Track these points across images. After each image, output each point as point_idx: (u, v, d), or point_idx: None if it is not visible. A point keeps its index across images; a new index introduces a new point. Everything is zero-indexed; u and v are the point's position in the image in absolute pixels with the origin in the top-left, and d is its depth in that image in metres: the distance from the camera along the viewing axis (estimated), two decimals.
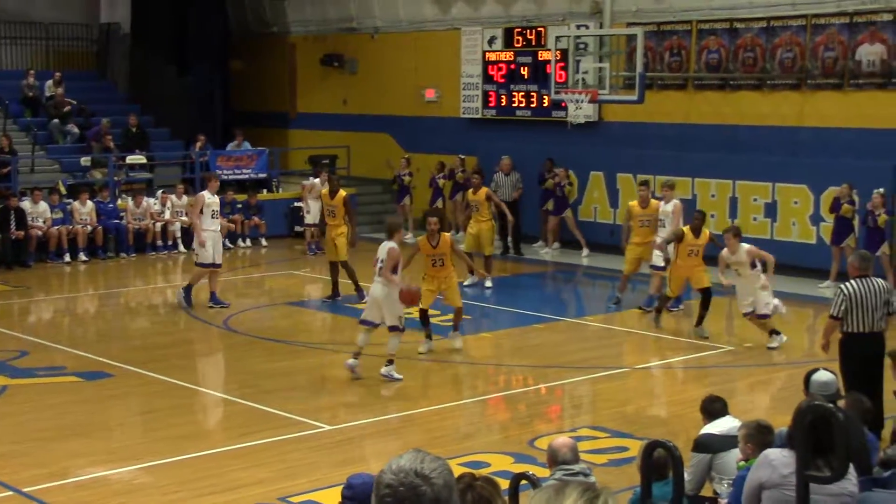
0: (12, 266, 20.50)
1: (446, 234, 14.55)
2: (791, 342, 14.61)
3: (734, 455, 7.66)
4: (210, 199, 17.04)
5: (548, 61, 21.36)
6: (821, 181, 18.88)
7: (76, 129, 24.51)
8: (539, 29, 23.10)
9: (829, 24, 19.22)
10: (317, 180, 21.92)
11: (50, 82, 25.05)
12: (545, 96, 22.44)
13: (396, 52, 25.95)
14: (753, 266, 14.39)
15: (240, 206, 23.54)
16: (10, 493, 9.38)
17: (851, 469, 5.98)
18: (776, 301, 14.44)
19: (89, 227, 21.57)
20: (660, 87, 21.30)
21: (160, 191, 23.36)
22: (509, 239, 21.85)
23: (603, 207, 21.99)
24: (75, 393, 12.59)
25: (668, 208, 16.59)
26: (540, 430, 11.20)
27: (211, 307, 16.93)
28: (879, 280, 10.74)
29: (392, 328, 12.80)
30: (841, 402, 7.69)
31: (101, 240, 21.69)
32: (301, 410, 11.76)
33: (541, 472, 7.74)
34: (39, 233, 21.08)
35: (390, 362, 12.86)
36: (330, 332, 16.55)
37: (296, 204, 24.13)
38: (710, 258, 15.25)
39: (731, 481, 7.47)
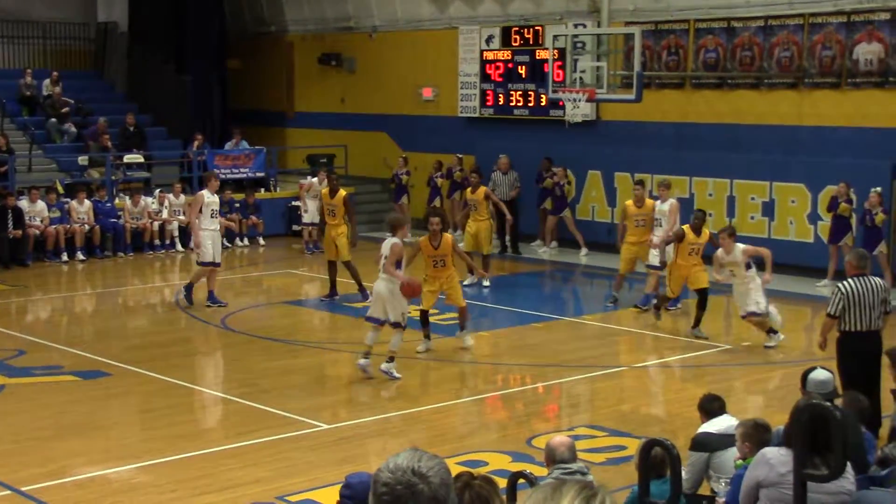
0: (10, 265, 20.47)
1: (448, 234, 14.38)
2: (788, 341, 14.61)
3: (732, 454, 7.67)
4: (210, 198, 17.03)
5: (545, 60, 21.32)
6: (818, 180, 18.89)
7: (74, 129, 24.47)
8: (536, 28, 23.09)
9: (826, 23, 19.22)
10: (314, 179, 21.92)
11: (47, 81, 25.03)
12: (543, 95, 22.43)
13: (394, 51, 25.94)
14: (748, 267, 14.41)
15: (237, 205, 23.53)
16: (9, 492, 9.37)
17: (849, 467, 5.99)
18: (772, 308, 14.43)
19: (87, 227, 21.56)
20: (657, 86, 21.30)
21: (158, 190, 23.34)
22: (507, 238, 21.85)
23: (601, 206, 22.00)
24: (73, 392, 12.57)
25: (665, 207, 16.61)
26: (538, 429, 11.20)
27: (209, 306, 16.94)
28: (877, 279, 10.76)
29: (394, 325, 12.78)
30: (838, 401, 7.69)
31: (98, 239, 21.66)
32: (299, 409, 11.75)
33: (538, 470, 7.76)
34: (37, 232, 21.06)
35: (391, 359, 12.84)
36: (328, 330, 16.54)
37: (293, 203, 24.14)
38: (709, 258, 15.24)
39: (728, 480, 7.48)
